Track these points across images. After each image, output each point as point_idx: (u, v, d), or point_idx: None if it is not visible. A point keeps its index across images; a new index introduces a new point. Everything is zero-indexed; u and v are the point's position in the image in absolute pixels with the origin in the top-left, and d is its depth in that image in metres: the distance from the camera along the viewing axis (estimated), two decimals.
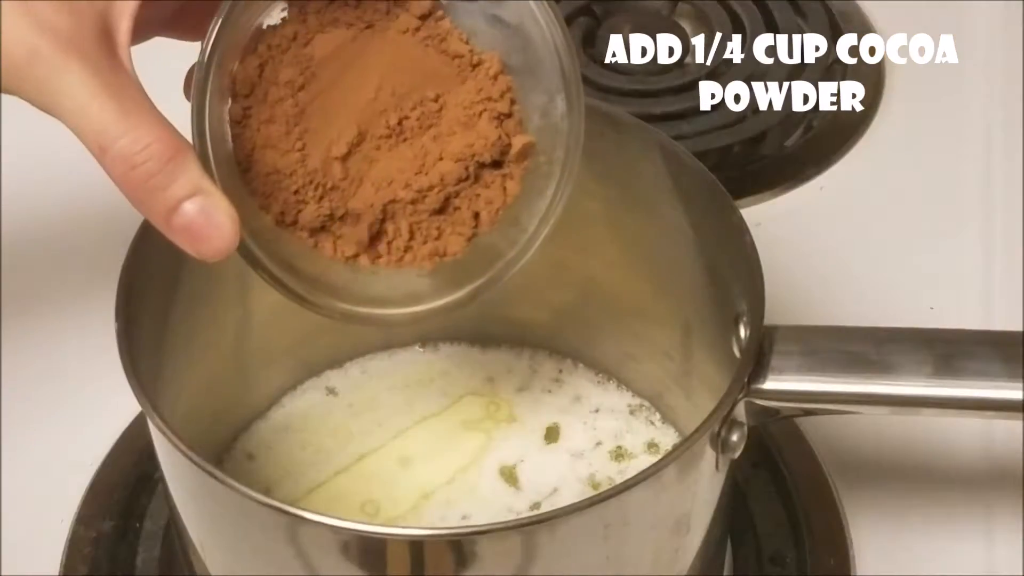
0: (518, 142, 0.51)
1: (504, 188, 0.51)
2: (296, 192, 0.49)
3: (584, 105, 0.50)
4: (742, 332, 0.50)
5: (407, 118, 0.50)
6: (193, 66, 0.48)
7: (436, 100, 0.50)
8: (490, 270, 0.52)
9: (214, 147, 0.47)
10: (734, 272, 0.52)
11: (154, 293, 0.53)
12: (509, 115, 0.50)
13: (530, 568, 0.46)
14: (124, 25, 0.45)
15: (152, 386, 0.49)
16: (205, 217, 0.44)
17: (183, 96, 0.50)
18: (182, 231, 0.44)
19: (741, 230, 0.51)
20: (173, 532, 0.58)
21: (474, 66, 0.50)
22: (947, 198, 0.77)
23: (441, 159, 0.50)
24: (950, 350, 0.49)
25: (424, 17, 0.50)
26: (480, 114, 0.50)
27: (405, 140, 0.50)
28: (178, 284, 0.55)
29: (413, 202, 0.50)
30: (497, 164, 0.51)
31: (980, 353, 0.49)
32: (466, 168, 0.50)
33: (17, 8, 0.43)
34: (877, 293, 0.72)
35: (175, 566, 0.59)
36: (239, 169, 0.49)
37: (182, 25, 0.51)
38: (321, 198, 0.49)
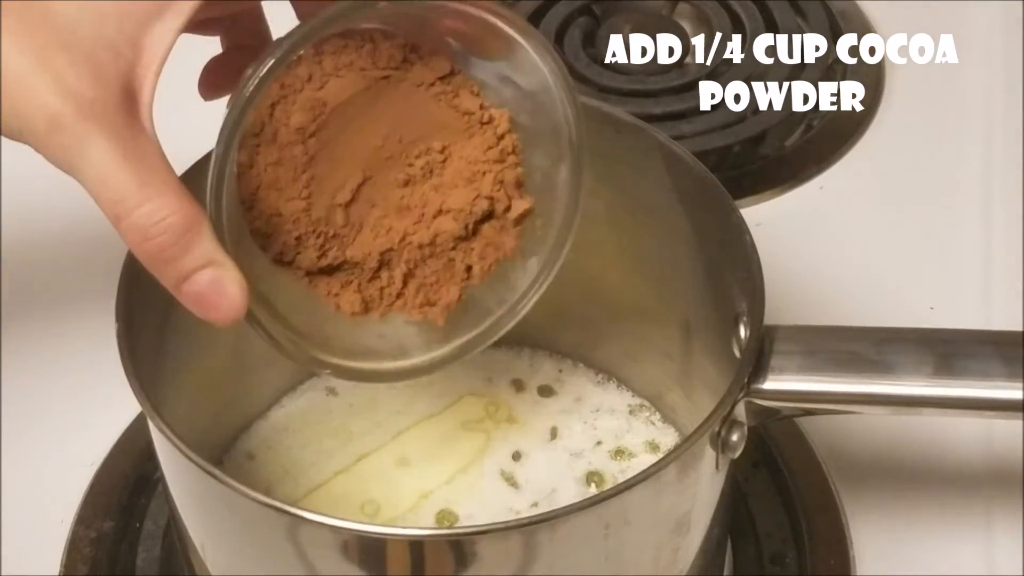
0: (518, 206, 0.51)
1: (499, 245, 0.51)
2: (297, 238, 0.49)
3: (587, 178, 0.51)
4: (742, 332, 0.50)
5: (411, 165, 0.50)
6: (208, 64, 0.47)
7: (442, 151, 0.50)
8: (479, 327, 0.52)
9: (222, 182, 0.46)
10: (734, 272, 0.52)
11: (154, 293, 0.52)
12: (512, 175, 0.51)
13: (530, 568, 0.46)
14: (148, 84, 0.44)
15: (152, 386, 0.49)
16: (216, 287, 0.45)
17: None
18: (192, 298, 0.45)
19: (741, 230, 0.51)
20: (173, 532, 0.58)
21: (483, 123, 0.50)
22: (947, 198, 0.77)
23: (440, 213, 0.50)
24: (950, 350, 0.49)
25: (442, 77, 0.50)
26: (484, 173, 0.50)
27: (407, 187, 0.50)
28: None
29: (408, 251, 0.50)
30: (493, 217, 0.51)
31: (980, 353, 0.49)
32: (465, 226, 0.50)
33: (42, 73, 0.43)
34: (877, 293, 0.72)
35: (175, 566, 0.59)
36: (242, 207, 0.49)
37: (202, 25, 0.51)
38: (322, 246, 0.49)
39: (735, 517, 0.60)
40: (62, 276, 0.71)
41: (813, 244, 0.75)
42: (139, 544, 0.61)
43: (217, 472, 0.45)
